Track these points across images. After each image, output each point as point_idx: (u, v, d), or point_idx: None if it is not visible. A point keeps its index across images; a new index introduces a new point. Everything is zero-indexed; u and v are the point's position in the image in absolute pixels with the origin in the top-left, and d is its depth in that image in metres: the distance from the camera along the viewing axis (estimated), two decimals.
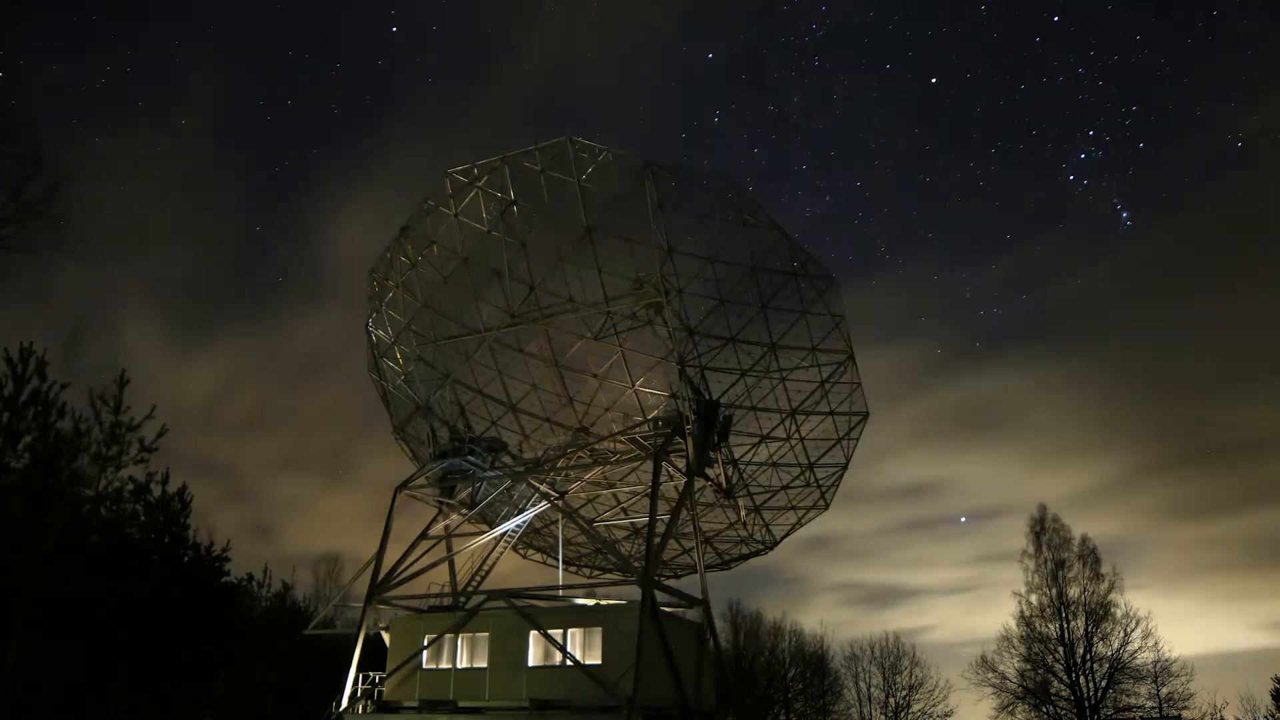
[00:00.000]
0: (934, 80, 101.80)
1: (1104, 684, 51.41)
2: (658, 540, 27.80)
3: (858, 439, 33.36)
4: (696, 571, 30.78)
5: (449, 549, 33.27)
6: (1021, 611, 54.34)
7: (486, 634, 27.97)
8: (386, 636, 30.13)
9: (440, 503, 33.18)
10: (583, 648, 26.43)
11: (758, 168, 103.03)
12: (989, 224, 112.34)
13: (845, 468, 33.85)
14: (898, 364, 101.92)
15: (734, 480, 32.33)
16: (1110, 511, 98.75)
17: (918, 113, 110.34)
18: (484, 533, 33.11)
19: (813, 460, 33.44)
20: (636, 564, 28.06)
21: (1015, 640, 54.30)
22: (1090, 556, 53.74)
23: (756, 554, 36.19)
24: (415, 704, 27.96)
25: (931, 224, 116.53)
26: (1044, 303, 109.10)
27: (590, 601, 28.47)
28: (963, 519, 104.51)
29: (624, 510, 36.69)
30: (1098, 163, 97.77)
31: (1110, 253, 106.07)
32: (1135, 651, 51.44)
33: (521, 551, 38.28)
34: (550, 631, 26.42)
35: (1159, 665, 51.15)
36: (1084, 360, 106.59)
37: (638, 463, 32.31)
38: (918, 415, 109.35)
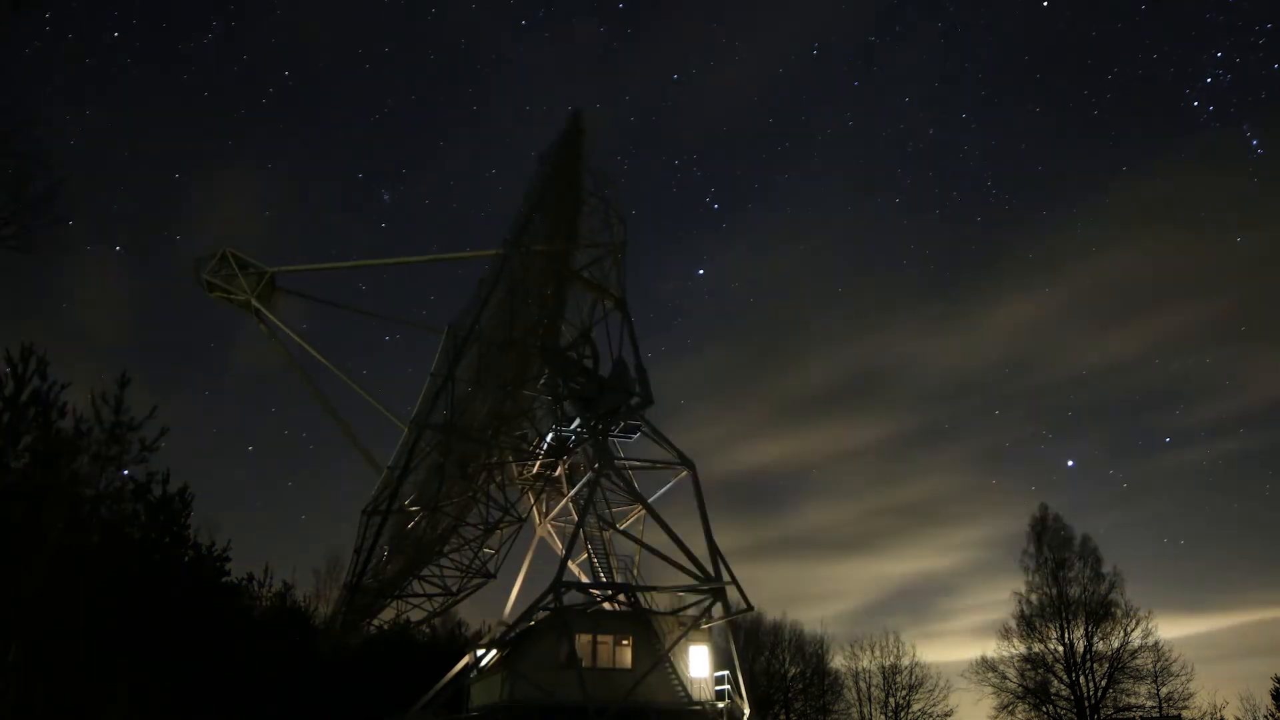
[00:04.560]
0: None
1: (1104, 684, 51.43)
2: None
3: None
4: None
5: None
6: (1021, 611, 54.42)
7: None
8: None
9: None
10: None
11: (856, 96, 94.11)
12: None
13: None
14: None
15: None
16: None
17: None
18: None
19: None
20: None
21: (1015, 640, 54.37)
22: (1091, 556, 53.84)
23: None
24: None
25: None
26: None
27: None
28: (1070, 463, 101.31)
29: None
30: None
31: None
32: (1135, 651, 51.53)
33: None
34: None
35: (1159, 665, 51.24)
36: None
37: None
38: None
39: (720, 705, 31.03)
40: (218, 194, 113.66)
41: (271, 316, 32.62)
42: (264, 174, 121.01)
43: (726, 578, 31.92)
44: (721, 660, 32.54)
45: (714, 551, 32.50)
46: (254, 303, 32.29)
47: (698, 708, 30.46)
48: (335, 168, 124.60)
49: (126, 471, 31.87)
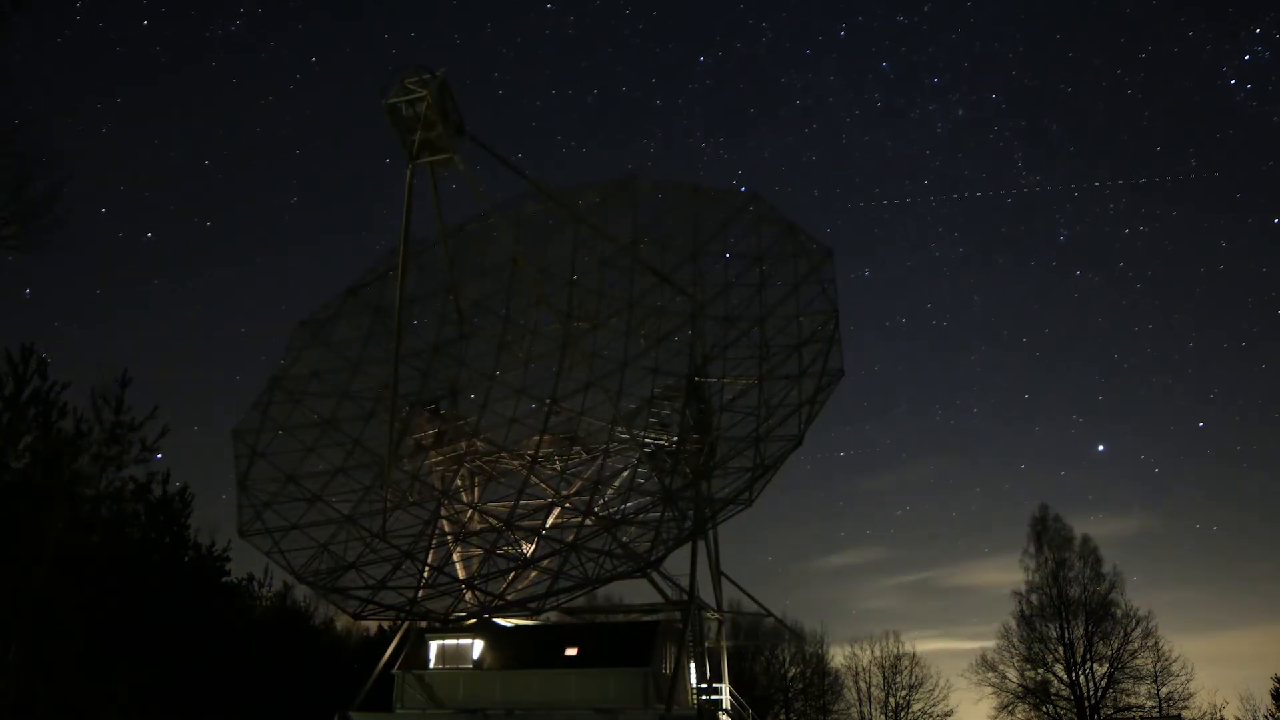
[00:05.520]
0: None
1: (1104, 684, 51.44)
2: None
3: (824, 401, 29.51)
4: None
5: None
6: (1021, 611, 54.40)
7: None
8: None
9: None
10: None
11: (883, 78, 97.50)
12: None
13: (799, 442, 29.49)
14: None
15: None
16: None
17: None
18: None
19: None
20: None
21: (1015, 640, 54.36)
22: (1091, 556, 53.82)
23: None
24: None
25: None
26: None
27: None
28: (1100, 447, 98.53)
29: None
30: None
31: None
32: (1135, 651, 51.53)
33: None
34: None
35: (1159, 665, 51.26)
36: None
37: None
38: None
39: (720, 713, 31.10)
40: (243, 181, 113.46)
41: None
42: (289, 160, 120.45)
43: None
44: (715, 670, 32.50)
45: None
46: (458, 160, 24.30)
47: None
48: (358, 153, 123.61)
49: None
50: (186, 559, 36.13)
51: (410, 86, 22.81)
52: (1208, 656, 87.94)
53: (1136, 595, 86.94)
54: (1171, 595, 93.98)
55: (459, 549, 32.74)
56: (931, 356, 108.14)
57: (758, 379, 31.09)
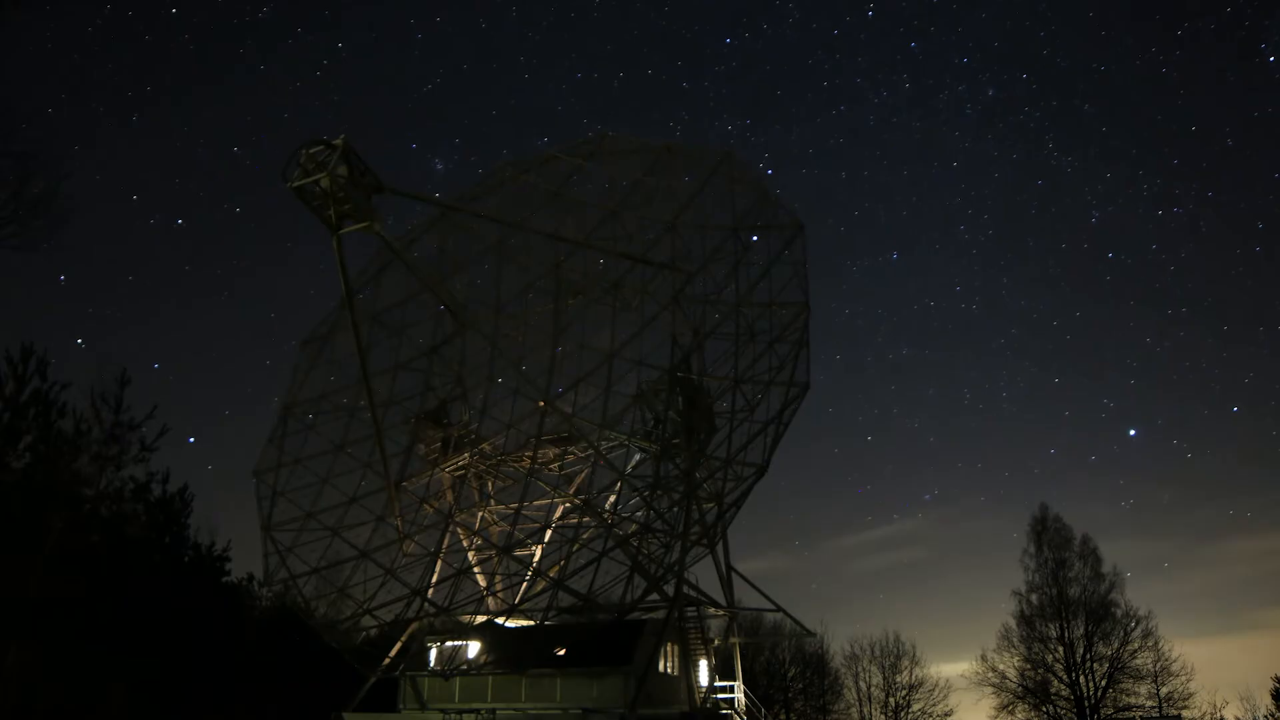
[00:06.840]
0: None
1: (1104, 684, 51.42)
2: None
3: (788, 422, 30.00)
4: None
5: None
6: (1021, 611, 54.38)
7: None
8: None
9: None
10: None
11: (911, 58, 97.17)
12: None
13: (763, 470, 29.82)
14: None
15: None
16: None
17: None
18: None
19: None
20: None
21: (1015, 640, 54.33)
22: (1091, 556, 53.81)
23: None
24: None
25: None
26: None
27: None
28: (1131, 431, 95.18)
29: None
30: None
31: None
32: (1135, 651, 51.52)
33: None
34: None
35: (1159, 665, 51.25)
36: None
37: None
38: None
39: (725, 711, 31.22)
40: (272, 166, 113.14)
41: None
42: None
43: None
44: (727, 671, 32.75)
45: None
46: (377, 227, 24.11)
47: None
48: (386, 138, 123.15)
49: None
50: (186, 559, 36.14)
51: (311, 165, 21.93)
52: (1229, 647, 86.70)
53: (1163, 582, 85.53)
54: (1196, 585, 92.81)
55: (474, 553, 32.80)
56: (961, 339, 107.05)
57: (733, 381, 30.83)
